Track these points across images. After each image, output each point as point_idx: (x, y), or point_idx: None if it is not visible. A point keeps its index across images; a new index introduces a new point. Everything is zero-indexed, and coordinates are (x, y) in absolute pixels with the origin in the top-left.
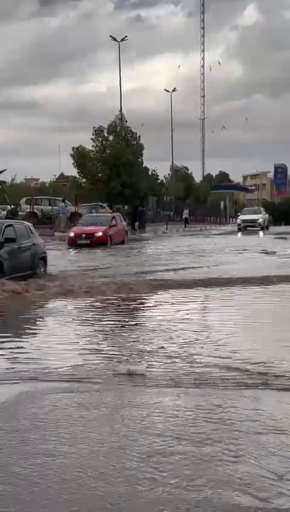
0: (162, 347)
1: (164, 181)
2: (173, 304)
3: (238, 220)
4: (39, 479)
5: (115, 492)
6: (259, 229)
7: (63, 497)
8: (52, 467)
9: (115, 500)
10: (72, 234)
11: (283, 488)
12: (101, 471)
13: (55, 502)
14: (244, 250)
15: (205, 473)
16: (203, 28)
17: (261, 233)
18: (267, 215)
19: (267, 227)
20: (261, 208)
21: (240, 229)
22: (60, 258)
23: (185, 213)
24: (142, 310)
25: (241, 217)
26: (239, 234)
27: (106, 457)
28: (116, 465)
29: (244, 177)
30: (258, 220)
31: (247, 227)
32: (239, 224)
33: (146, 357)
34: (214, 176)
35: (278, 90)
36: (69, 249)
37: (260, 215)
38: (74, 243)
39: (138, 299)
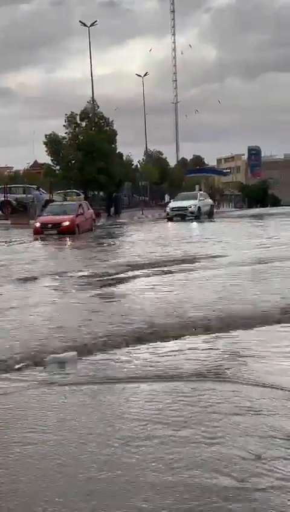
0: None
1: (139, 166)
2: None
3: (167, 208)
4: (17, 467)
5: (93, 478)
6: (191, 218)
7: (40, 485)
8: (30, 455)
9: (93, 486)
10: (38, 224)
11: (261, 468)
12: (79, 458)
13: (33, 490)
14: None
15: (183, 455)
16: (174, 11)
17: (194, 223)
18: (207, 201)
19: (209, 215)
20: (199, 193)
21: (169, 219)
22: None
23: (167, 198)
24: None
25: (171, 204)
26: (169, 224)
27: (84, 444)
28: (94, 451)
29: (219, 160)
30: (189, 207)
31: (178, 217)
32: (167, 214)
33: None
34: (188, 159)
35: (251, 73)
36: (35, 239)
37: (194, 202)
38: (40, 233)
39: None
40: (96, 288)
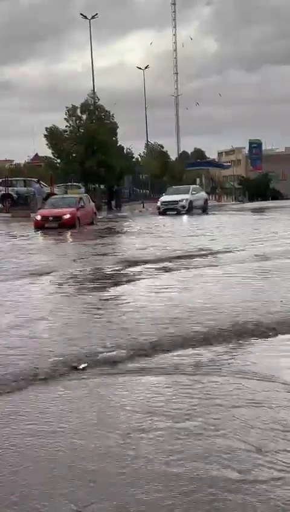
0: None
1: (139, 159)
2: None
3: (158, 202)
4: (20, 459)
5: (96, 470)
6: (183, 212)
7: (44, 476)
8: (33, 447)
9: (96, 478)
10: (38, 217)
11: (262, 460)
12: (81, 449)
13: (36, 481)
14: None
15: (184, 447)
16: (174, 3)
17: (184, 217)
18: (200, 194)
19: (203, 210)
20: (192, 187)
21: (161, 213)
22: None
23: None
24: None
25: (162, 198)
26: (164, 218)
27: (87, 435)
28: (97, 443)
29: (220, 154)
30: (180, 201)
31: (170, 211)
32: (158, 208)
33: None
34: (189, 153)
35: (252, 65)
36: (36, 233)
37: (185, 196)
38: (41, 227)
39: None
40: (107, 288)
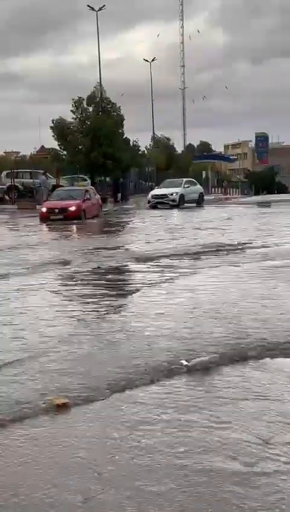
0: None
1: (146, 152)
2: None
3: (149, 196)
4: (26, 450)
5: (101, 462)
6: (175, 205)
7: (50, 468)
8: (39, 438)
9: (102, 469)
10: (44, 209)
11: (268, 453)
12: (86, 441)
13: (42, 472)
14: None
15: (191, 439)
16: None
17: (175, 211)
18: (194, 188)
19: (198, 203)
20: (185, 180)
21: (152, 207)
22: None
23: None
24: None
25: (152, 192)
26: (162, 212)
27: (92, 427)
28: (102, 435)
29: (226, 147)
30: (170, 195)
31: (164, 204)
32: (149, 201)
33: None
34: (195, 145)
35: (259, 58)
36: (41, 225)
37: (176, 189)
38: (47, 219)
39: None
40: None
